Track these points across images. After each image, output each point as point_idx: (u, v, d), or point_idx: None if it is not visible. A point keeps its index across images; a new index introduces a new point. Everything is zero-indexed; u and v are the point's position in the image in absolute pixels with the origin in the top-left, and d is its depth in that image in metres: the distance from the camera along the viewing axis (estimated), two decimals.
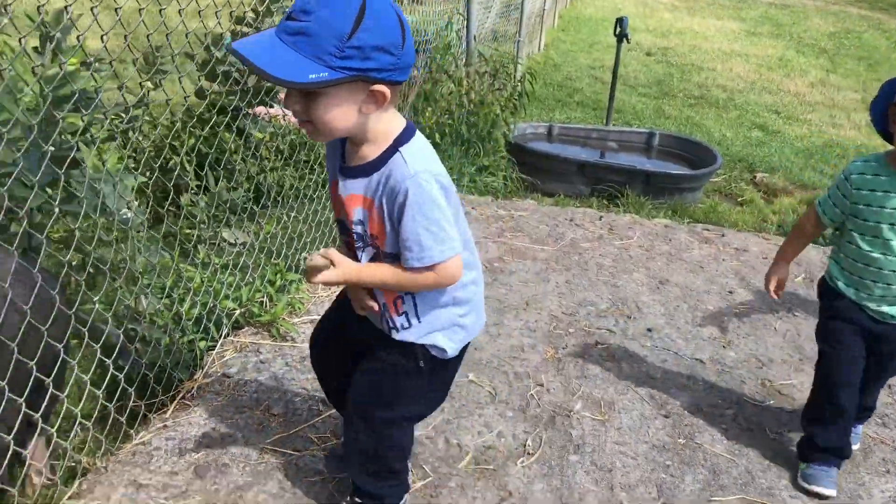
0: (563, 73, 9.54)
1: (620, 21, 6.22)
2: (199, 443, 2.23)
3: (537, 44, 10.60)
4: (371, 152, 1.61)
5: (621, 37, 6.25)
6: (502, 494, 2.14)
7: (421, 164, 1.58)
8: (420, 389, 1.84)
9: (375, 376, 1.83)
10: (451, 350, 1.78)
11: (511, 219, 4.39)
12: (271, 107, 4.20)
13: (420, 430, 2.37)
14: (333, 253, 1.63)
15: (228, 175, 3.73)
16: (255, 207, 3.83)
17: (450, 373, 1.89)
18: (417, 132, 1.65)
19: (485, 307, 1.86)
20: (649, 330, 3.15)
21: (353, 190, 1.65)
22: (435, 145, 5.22)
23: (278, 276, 3.08)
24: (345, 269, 1.64)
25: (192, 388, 2.49)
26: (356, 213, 1.66)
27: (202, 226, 3.36)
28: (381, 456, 1.89)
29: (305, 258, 1.66)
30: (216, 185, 3.60)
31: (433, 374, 1.81)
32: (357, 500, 1.94)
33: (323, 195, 3.78)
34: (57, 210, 2.53)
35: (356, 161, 1.63)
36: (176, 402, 2.41)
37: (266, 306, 2.90)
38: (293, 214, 3.54)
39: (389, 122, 1.60)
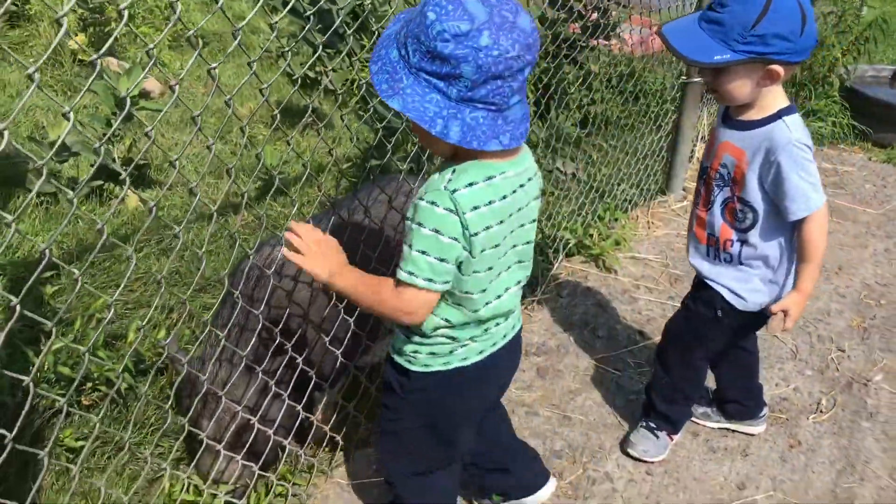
0: None
1: None
2: (540, 349, 2.79)
3: None
4: (755, 115, 1.96)
5: None
6: (791, 442, 2.46)
7: (798, 132, 1.90)
8: (716, 336, 2.20)
9: (679, 323, 2.28)
10: (744, 306, 2.09)
11: (835, 173, 4.38)
12: (609, 39, 4.53)
13: None
14: (777, 306, 2.02)
15: (564, 105, 4.17)
16: (581, 135, 4.26)
17: (754, 323, 2.19)
18: (796, 109, 1.97)
19: None
20: None
21: (726, 138, 2.02)
22: None
23: (608, 212, 3.51)
24: (794, 303, 1.99)
25: (533, 301, 3.05)
26: (724, 157, 2.02)
27: (538, 153, 3.86)
28: (682, 386, 2.31)
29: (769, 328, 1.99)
30: (555, 114, 4.06)
31: (728, 322, 2.14)
32: (651, 422, 2.38)
33: (643, 126, 4.07)
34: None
35: (740, 116, 1.99)
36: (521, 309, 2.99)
37: (595, 239, 3.36)
38: (614, 143, 3.92)
39: (777, 97, 1.94)
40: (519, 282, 1.63)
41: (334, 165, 3.87)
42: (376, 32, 1.72)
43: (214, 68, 1.38)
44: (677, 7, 4.70)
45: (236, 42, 1.41)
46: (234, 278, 2.03)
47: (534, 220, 1.59)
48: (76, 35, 5.03)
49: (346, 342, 2.02)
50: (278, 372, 1.87)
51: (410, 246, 1.43)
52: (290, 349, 1.85)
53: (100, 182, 3.42)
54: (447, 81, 1.32)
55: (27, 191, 3.34)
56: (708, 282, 2.13)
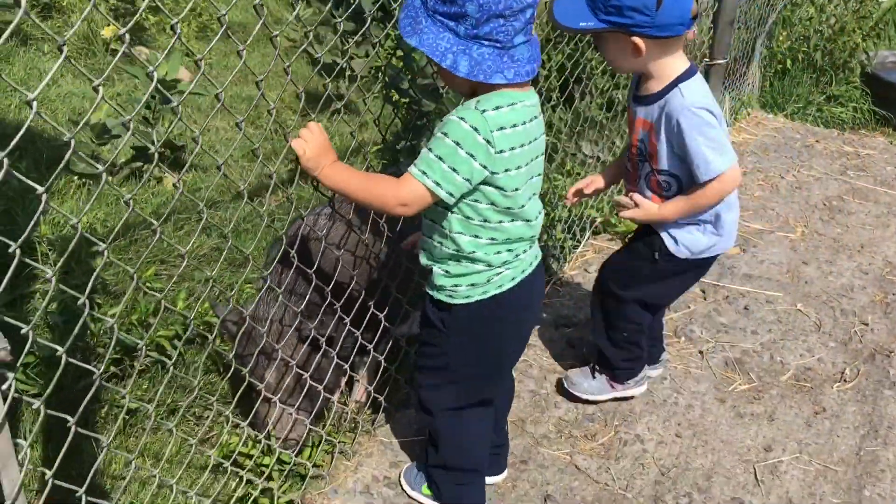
0: None
1: None
2: (570, 321, 2.88)
3: None
4: (654, 87, 2.04)
5: None
6: (816, 409, 2.53)
7: (693, 97, 2.00)
8: (650, 277, 2.27)
9: (617, 261, 2.38)
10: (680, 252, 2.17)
11: (857, 156, 4.43)
12: None
13: (748, 343, 2.81)
14: (637, 196, 2.15)
15: (588, 90, 4.23)
16: (605, 121, 4.33)
17: (688, 274, 2.28)
18: (698, 73, 2.06)
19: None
20: None
21: (639, 114, 2.11)
22: (785, 71, 5.28)
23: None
24: (646, 208, 2.14)
25: (562, 276, 3.14)
26: (640, 132, 2.11)
27: (564, 137, 3.94)
28: (620, 326, 2.37)
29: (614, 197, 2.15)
30: (578, 98, 4.14)
31: (664, 266, 2.21)
32: (597, 366, 2.47)
33: None
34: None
35: (643, 92, 2.08)
36: (550, 285, 3.08)
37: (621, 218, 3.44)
38: None
39: (671, 65, 2.02)
40: (540, 212, 1.78)
41: (362, 148, 3.96)
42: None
43: (242, 49, 1.47)
44: None
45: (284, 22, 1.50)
46: (285, 242, 2.11)
47: (542, 155, 1.73)
48: (108, 25, 5.15)
49: (387, 307, 2.11)
50: (328, 331, 1.96)
51: (430, 150, 1.59)
52: (338, 309, 1.94)
53: (139, 164, 3.53)
54: (456, 21, 1.51)
55: (70, 172, 3.45)
56: (653, 226, 2.20)
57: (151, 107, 3.44)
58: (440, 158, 1.57)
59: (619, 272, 2.34)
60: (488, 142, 1.56)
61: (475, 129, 1.55)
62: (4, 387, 1.20)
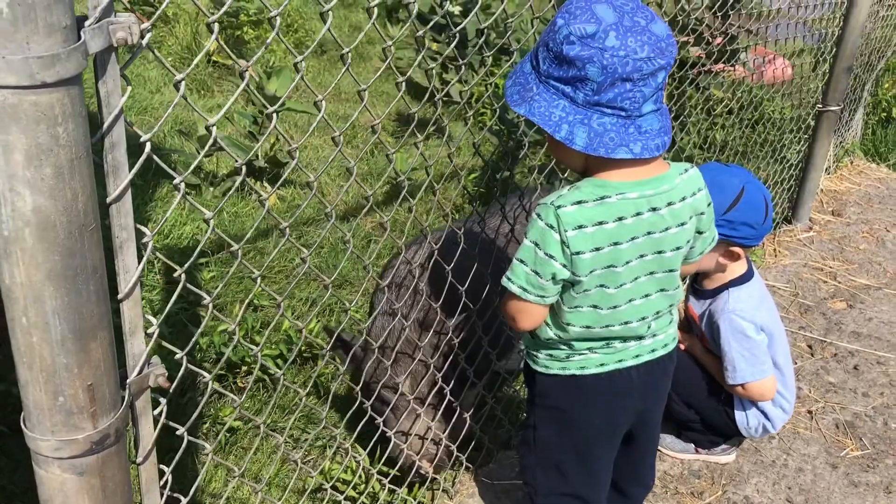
0: None
1: None
2: None
3: None
4: (708, 285, 2.20)
5: None
6: None
7: (738, 304, 2.10)
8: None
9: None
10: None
11: None
12: (733, 66, 4.49)
13: (859, 406, 2.68)
14: (686, 342, 2.31)
15: (685, 129, 4.15)
16: (700, 161, 4.23)
17: None
18: (754, 278, 2.15)
19: None
20: None
21: (691, 305, 2.28)
22: (889, 119, 5.10)
23: None
24: (691, 348, 2.31)
25: None
26: (689, 318, 2.31)
27: None
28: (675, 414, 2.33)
29: None
30: (680, 139, 4.05)
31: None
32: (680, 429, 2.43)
33: (766, 156, 4.02)
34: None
35: (699, 285, 2.25)
36: None
37: None
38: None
39: (732, 268, 2.15)
40: (659, 312, 1.57)
41: (457, 173, 3.95)
42: (515, 52, 1.76)
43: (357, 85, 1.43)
44: (804, 38, 4.64)
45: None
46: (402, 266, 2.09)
47: (679, 248, 1.51)
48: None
49: (500, 342, 2.07)
50: (445, 366, 1.93)
51: (517, 253, 1.49)
52: (455, 344, 1.91)
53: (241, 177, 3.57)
54: (574, 86, 1.33)
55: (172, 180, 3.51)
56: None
57: (258, 122, 3.48)
58: (522, 262, 1.46)
59: (684, 387, 2.27)
60: (564, 242, 1.41)
61: (550, 227, 1.41)
62: (156, 412, 1.20)
